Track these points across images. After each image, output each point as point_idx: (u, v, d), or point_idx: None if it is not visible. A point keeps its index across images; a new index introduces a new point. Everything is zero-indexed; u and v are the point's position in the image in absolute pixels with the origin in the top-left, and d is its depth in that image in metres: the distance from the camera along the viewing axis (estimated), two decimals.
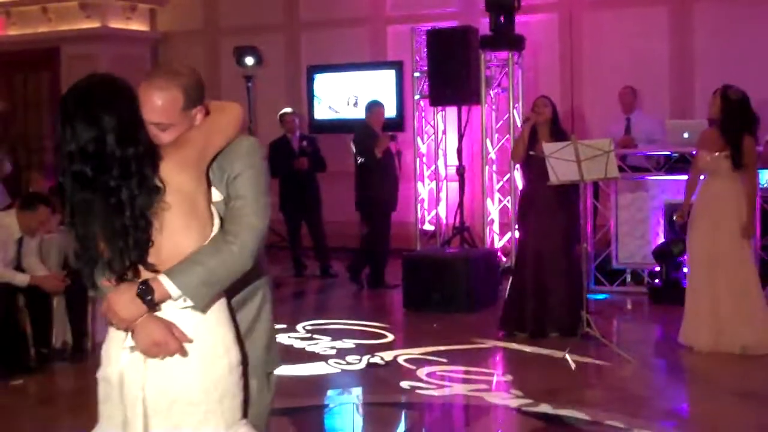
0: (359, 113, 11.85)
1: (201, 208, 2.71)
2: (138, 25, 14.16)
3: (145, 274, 2.67)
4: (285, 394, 5.79)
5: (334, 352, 7.10)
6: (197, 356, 2.68)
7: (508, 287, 7.67)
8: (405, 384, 6.21)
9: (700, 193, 6.96)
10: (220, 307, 2.77)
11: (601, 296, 8.70)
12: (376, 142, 9.70)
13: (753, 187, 6.87)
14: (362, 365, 6.75)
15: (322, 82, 12.62)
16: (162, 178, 2.64)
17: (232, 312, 2.89)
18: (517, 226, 8.27)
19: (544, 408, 5.61)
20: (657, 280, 8.87)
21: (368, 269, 10.01)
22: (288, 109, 10.94)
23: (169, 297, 2.64)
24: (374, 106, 10.09)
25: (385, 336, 7.70)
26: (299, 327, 7.96)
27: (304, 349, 7.21)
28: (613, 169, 6.97)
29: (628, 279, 9.22)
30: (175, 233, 2.67)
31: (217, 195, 2.81)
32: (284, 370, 6.23)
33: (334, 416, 5.90)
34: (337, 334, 7.69)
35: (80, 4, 13.64)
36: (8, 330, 6.73)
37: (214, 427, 2.71)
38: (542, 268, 7.36)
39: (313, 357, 6.90)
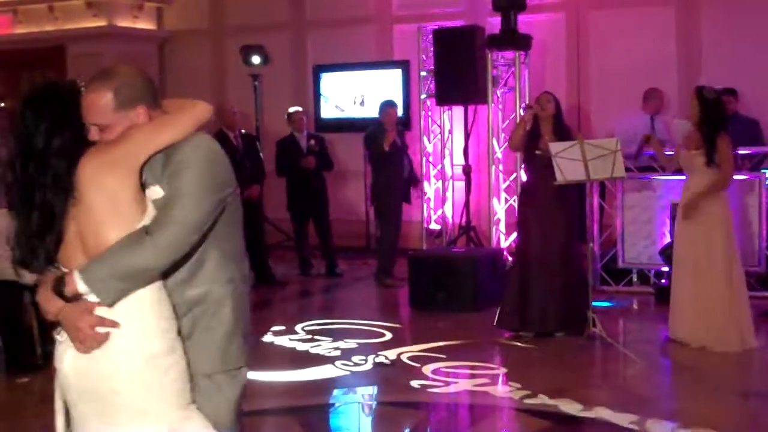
0: (366, 112, 11.89)
1: (126, 206, 2.75)
2: (145, 24, 14.18)
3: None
4: (299, 398, 5.88)
5: (338, 353, 7.06)
6: (110, 346, 2.74)
7: (508, 285, 7.57)
8: (415, 383, 6.23)
9: (682, 191, 7.11)
10: (139, 299, 2.78)
11: (605, 304, 8.60)
12: (383, 136, 9.80)
13: (721, 181, 6.91)
14: (369, 366, 6.73)
15: (329, 81, 12.63)
16: (85, 176, 2.74)
17: (174, 307, 2.89)
18: (516, 220, 8.20)
19: (550, 407, 5.61)
20: (663, 280, 8.86)
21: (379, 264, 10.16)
22: (297, 108, 10.95)
23: (79, 292, 2.71)
24: (386, 106, 10.17)
25: (384, 335, 7.67)
26: (298, 328, 7.90)
27: (307, 351, 7.16)
28: (619, 168, 6.98)
29: (635, 279, 9.20)
30: (98, 230, 2.74)
31: (160, 192, 2.82)
32: (294, 375, 6.27)
33: (354, 418, 5.86)
34: (337, 335, 7.65)
35: (87, 2, 13.66)
36: (15, 327, 6.75)
37: (127, 420, 2.76)
38: (544, 266, 7.30)
39: (320, 360, 6.86)
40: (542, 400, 5.73)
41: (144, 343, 2.76)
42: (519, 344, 7.23)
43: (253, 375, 6.05)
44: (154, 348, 2.77)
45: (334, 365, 6.70)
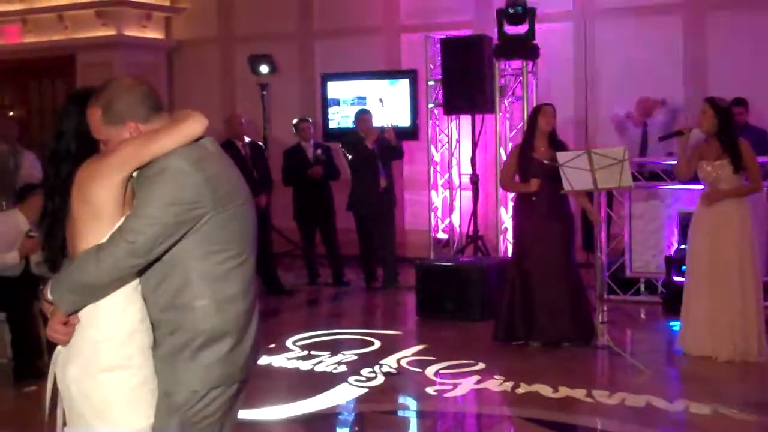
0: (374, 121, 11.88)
1: (107, 218, 2.81)
2: (153, 33, 14.23)
3: None
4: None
5: (344, 368, 6.93)
6: (71, 356, 2.87)
7: (506, 294, 7.46)
8: (430, 390, 6.30)
9: (701, 202, 7.01)
10: (99, 310, 2.84)
11: None
12: (358, 144, 10.10)
13: (754, 183, 6.92)
14: (381, 377, 6.67)
15: (336, 90, 12.64)
16: (74, 186, 2.85)
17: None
18: (512, 227, 8.19)
19: (557, 416, 5.61)
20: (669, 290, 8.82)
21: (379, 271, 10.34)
22: (304, 117, 10.97)
23: (49, 299, 2.82)
24: (361, 114, 10.42)
25: (373, 343, 7.69)
26: (289, 343, 7.69)
27: (312, 370, 6.95)
28: (626, 178, 6.96)
29: (642, 288, 9.19)
30: (77, 240, 2.85)
31: None
32: (318, 402, 6.06)
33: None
34: (333, 348, 7.55)
35: (96, 12, 13.74)
36: (22, 336, 6.76)
37: (79, 429, 2.88)
38: (547, 277, 7.25)
39: (331, 379, 6.63)
40: (557, 418, 5.68)
41: (95, 356, 2.83)
42: (525, 353, 7.22)
43: (276, 408, 5.84)
44: (104, 362, 2.83)
45: (348, 383, 6.54)
